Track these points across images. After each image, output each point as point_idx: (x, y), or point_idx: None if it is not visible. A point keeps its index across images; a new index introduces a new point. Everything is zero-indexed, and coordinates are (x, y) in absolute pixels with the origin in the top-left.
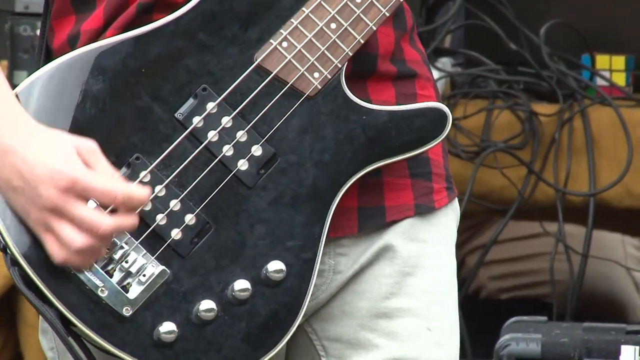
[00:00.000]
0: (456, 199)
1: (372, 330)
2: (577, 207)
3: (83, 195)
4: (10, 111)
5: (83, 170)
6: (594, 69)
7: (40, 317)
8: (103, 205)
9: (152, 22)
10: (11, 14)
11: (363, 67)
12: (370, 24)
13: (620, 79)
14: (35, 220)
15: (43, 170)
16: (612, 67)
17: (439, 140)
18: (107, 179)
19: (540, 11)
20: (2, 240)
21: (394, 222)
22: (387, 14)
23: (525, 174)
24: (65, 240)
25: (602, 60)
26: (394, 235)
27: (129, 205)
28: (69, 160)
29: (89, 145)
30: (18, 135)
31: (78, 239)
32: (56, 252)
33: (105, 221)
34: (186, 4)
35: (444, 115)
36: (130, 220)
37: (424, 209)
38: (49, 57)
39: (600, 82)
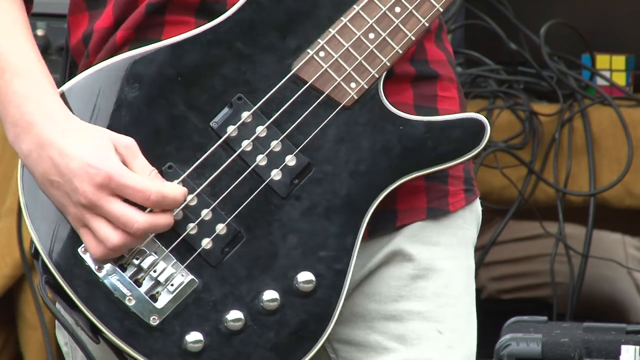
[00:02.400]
0: (477, 201)
1: (382, 333)
2: (578, 207)
3: (117, 192)
4: (51, 101)
5: (119, 166)
6: (594, 69)
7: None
8: (137, 203)
9: (164, 22)
10: None
11: None
12: (409, 34)
13: (620, 79)
14: (73, 216)
15: (79, 164)
16: (612, 67)
17: (476, 152)
18: (142, 177)
19: (540, 11)
20: (34, 248)
21: (404, 225)
22: (427, 24)
23: (526, 174)
24: (102, 238)
25: (602, 60)
26: (404, 239)
27: (162, 205)
28: (105, 156)
29: (127, 141)
30: (56, 126)
31: (114, 236)
32: (94, 248)
33: (139, 218)
34: (201, 4)
35: (482, 127)
36: (164, 219)
37: (437, 212)
38: (68, 55)
39: (600, 82)
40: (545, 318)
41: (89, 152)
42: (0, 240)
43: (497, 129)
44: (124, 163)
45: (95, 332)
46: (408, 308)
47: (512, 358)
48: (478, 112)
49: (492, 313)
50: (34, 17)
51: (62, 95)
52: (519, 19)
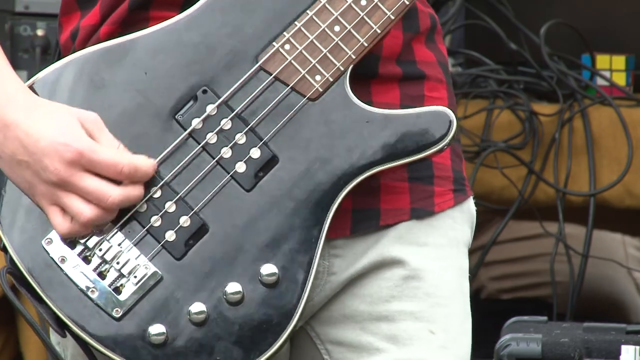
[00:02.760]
0: (469, 200)
1: (374, 334)
2: (578, 207)
3: (89, 168)
4: (11, 84)
5: (88, 142)
6: (594, 69)
7: None
8: (109, 178)
9: (149, 18)
10: (11, 14)
11: (365, 69)
12: (375, 27)
13: (620, 79)
14: (41, 194)
15: (48, 142)
16: (612, 67)
17: (442, 145)
18: (112, 151)
19: (540, 11)
20: (2, 243)
21: (390, 225)
22: (393, 17)
23: (526, 174)
24: (74, 213)
25: (602, 60)
26: (391, 241)
27: (134, 177)
28: (73, 132)
29: (92, 116)
30: (19, 107)
31: (87, 210)
32: (61, 225)
33: (113, 192)
34: (186, 1)
35: (448, 120)
36: (136, 191)
37: (421, 212)
38: (56, 53)
39: (600, 82)
40: (545, 318)
41: (57, 130)
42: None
43: (497, 129)
44: (91, 138)
45: (61, 326)
46: (400, 308)
47: (512, 358)
48: (478, 112)
49: (492, 313)
50: (34, 17)
51: (31, 87)
52: (519, 19)
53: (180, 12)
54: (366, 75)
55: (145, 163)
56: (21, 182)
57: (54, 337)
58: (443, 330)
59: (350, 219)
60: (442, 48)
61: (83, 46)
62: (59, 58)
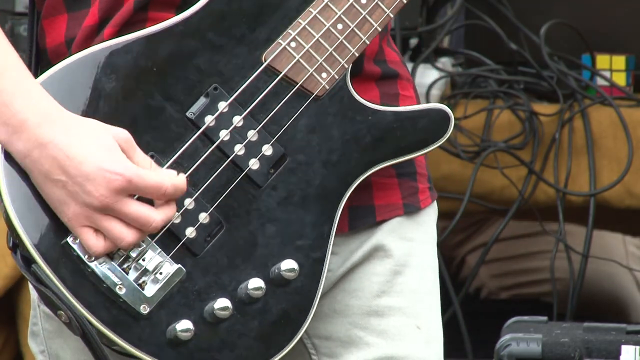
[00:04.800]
0: (435, 200)
1: (364, 329)
2: (578, 207)
3: (134, 193)
4: (42, 99)
5: (134, 168)
6: (594, 69)
7: (31, 320)
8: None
9: (147, 19)
10: (11, 14)
11: (351, 67)
12: (375, 25)
13: (620, 79)
14: (74, 214)
15: (93, 168)
16: (612, 67)
17: (442, 141)
18: (155, 174)
19: (540, 11)
20: (12, 240)
21: (384, 221)
22: (392, 15)
23: (526, 174)
24: (116, 237)
25: (602, 60)
26: (384, 234)
27: (174, 196)
28: (118, 158)
29: (125, 135)
30: (55, 126)
31: (130, 235)
32: (95, 245)
33: (157, 217)
34: (182, 0)
35: (446, 117)
36: (173, 209)
37: (412, 208)
38: (39, 57)
39: (600, 82)
40: (545, 318)
41: (101, 154)
42: (0, 241)
43: (497, 129)
44: (128, 158)
45: (79, 323)
46: (389, 304)
47: (512, 358)
48: (478, 112)
49: (492, 313)
50: None
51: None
52: (519, 19)
53: (177, 13)
54: (350, 73)
55: (182, 181)
56: (53, 198)
57: (35, 345)
58: (427, 326)
59: (347, 216)
60: (395, 47)
61: (82, 48)
62: (40, 62)
